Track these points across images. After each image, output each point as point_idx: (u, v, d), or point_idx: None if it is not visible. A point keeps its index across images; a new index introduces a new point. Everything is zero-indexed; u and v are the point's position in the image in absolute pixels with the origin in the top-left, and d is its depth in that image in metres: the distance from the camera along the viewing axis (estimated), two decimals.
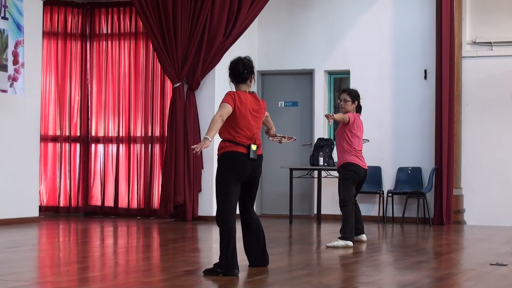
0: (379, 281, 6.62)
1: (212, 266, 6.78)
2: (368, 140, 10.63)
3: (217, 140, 7.11)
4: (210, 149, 12.54)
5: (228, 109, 6.70)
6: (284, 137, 8.46)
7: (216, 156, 6.96)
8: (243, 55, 13.55)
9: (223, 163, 6.80)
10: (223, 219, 6.74)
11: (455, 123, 12.86)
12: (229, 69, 6.95)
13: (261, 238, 7.09)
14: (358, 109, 9.50)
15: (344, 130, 9.28)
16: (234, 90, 6.95)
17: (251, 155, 6.76)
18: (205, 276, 6.64)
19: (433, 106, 12.99)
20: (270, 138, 8.79)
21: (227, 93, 6.83)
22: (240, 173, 6.77)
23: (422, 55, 13.28)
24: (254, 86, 14.10)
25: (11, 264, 7.41)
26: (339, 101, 9.74)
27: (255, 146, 6.82)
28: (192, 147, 6.64)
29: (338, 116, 9.25)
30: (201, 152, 6.59)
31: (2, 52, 11.31)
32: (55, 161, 13.73)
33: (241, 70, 6.88)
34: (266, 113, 7.24)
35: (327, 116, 9.09)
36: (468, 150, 13.10)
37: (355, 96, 9.43)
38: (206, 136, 6.53)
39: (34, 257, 8.33)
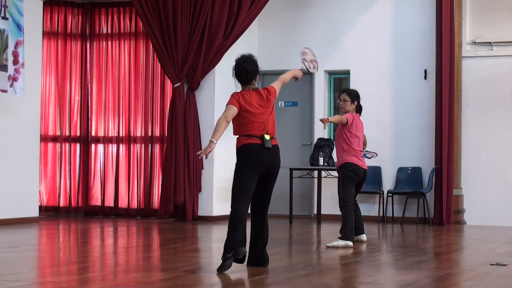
0: (379, 281, 6.62)
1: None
2: (376, 154, 10.59)
3: (220, 142, 7.13)
4: None
5: (233, 110, 6.80)
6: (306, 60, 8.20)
7: (216, 157, 6.97)
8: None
9: (239, 156, 6.88)
10: (235, 208, 6.78)
11: (455, 123, 12.86)
12: (234, 71, 7.01)
13: (262, 239, 7.11)
14: (359, 109, 9.50)
15: (343, 130, 9.28)
16: (240, 88, 7.04)
17: (266, 145, 6.83)
18: (219, 274, 6.65)
19: (433, 106, 12.99)
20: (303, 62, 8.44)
21: (231, 95, 6.93)
22: (257, 162, 6.81)
23: (422, 55, 13.28)
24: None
25: (11, 264, 7.41)
26: (338, 101, 9.75)
27: (268, 136, 6.89)
28: (197, 153, 6.68)
29: (334, 118, 9.27)
30: (205, 154, 6.62)
31: (2, 52, 11.31)
32: (55, 161, 13.73)
33: (244, 76, 6.97)
34: (278, 79, 7.21)
35: (322, 121, 9.10)
36: (468, 150, 13.10)
37: (354, 96, 9.43)
38: (211, 139, 6.64)
39: (34, 257, 8.33)
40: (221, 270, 6.73)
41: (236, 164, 6.93)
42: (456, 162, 12.90)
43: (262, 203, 7.08)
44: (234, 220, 6.77)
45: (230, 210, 6.87)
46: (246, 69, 6.95)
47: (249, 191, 6.83)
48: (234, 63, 7.06)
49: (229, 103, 6.84)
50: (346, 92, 9.50)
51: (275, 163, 6.96)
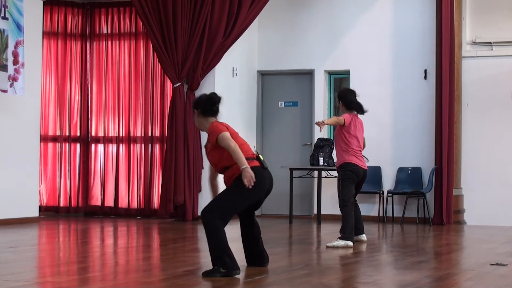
0: (379, 281, 6.62)
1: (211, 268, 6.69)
2: (368, 160, 10.61)
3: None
4: None
5: (229, 135, 6.69)
6: None
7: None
8: (243, 55, 13.62)
9: (241, 182, 6.62)
10: (220, 224, 6.60)
11: (455, 123, 12.86)
12: (211, 103, 6.87)
13: (260, 239, 7.11)
14: (359, 108, 9.46)
15: (341, 131, 9.30)
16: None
17: (264, 165, 6.82)
18: (204, 278, 6.59)
19: (433, 106, 12.99)
20: None
21: (213, 126, 6.75)
22: (262, 191, 6.78)
23: (422, 55, 13.27)
24: (254, 86, 14.12)
25: (11, 264, 7.41)
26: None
27: (261, 156, 6.90)
28: (246, 184, 6.56)
29: (331, 120, 9.32)
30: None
31: (2, 52, 11.31)
32: (55, 161, 13.73)
33: (218, 109, 6.90)
34: None
35: (318, 124, 9.11)
36: (468, 150, 13.10)
37: (339, 96, 9.55)
38: (243, 167, 6.53)
39: (34, 257, 8.33)
40: (207, 274, 6.57)
41: (238, 189, 6.65)
42: (456, 162, 12.90)
43: (251, 214, 7.08)
44: (220, 236, 6.57)
45: (208, 217, 6.59)
46: (219, 102, 6.90)
47: (236, 214, 6.83)
48: (206, 97, 6.93)
49: (221, 131, 6.67)
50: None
51: (270, 190, 6.95)
